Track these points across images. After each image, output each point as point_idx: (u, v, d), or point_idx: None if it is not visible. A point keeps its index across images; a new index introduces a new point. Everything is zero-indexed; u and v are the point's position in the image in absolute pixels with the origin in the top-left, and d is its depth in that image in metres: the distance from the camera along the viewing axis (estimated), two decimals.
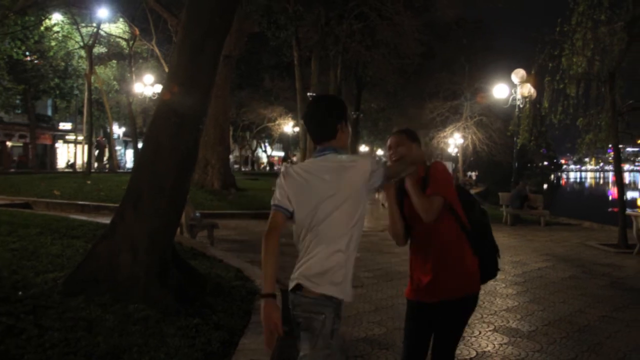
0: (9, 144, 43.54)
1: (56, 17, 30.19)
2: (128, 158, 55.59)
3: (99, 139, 43.60)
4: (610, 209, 18.43)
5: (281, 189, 2.79)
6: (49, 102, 44.73)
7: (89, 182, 20.91)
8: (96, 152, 42.51)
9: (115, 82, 37.02)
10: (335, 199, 2.68)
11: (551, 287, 8.01)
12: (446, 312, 3.15)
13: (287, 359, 2.69)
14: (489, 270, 3.28)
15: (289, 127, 50.49)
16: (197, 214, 11.41)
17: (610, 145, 13.54)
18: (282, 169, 2.86)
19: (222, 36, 6.31)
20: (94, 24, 30.16)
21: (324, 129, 2.85)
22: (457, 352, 4.93)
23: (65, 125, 47.89)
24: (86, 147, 31.39)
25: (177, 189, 6.01)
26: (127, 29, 32.06)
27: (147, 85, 28.86)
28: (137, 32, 29.62)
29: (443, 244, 3.14)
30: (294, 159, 45.94)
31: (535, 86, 17.46)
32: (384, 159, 3.08)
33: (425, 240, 3.19)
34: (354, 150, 37.64)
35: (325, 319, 2.63)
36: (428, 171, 3.18)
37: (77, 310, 4.83)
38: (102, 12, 28.68)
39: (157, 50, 29.67)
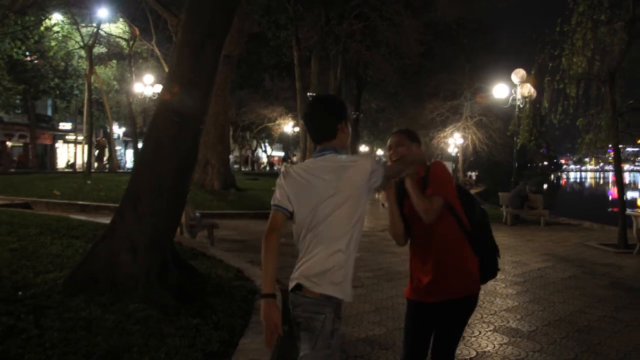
0: (9, 144, 43.51)
1: (56, 17, 30.19)
2: (128, 158, 55.56)
3: (99, 139, 43.60)
4: (610, 209, 18.39)
5: (281, 189, 2.79)
6: (49, 102, 44.71)
7: (89, 182, 20.91)
8: (96, 152, 42.54)
9: (115, 82, 37.01)
10: (335, 199, 2.67)
11: (551, 287, 8.01)
12: (446, 313, 3.15)
13: (287, 359, 2.69)
14: (489, 271, 3.28)
15: (289, 127, 50.52)
16: (197, 214, 11.42)
17: (610, 145, 13.52)
18: (282, 168, 2.86)
19: (223, 36, 6.31)
20: (94, 24, 30.17)
21: (324, 129, 2.85)
22: (457, 352, 4.93)
23: (65, 125, 47.89)
24: (86, 147, 31.38)
25: (177, 189, 6.01)
26: (127, 29, 32.08)
27: (147, 85, 28.89)
28: (137, 32, 29.63)
29: (443, 244, 3.13)
30: (294, 159, 45.90)
31: (535, 86, 17.46)
32: (383, 159, 3.08)
33: (426, 241, 3.19)
34: (354, 151, 37.63)
35: (325, 319, 2.63)
36: (428, 171, 3.18)
37: (77, 310, 4.83)
38: (102, 12, 28.70)
39: (157, 50, 29.70)
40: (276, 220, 2.76)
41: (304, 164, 2.86)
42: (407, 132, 3.36)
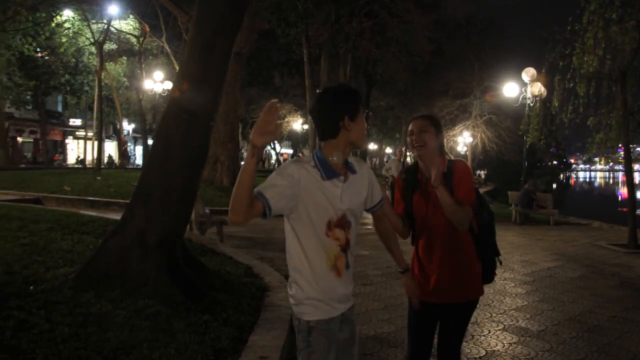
0: (19, 139, 43.80)
1: (67, 14, 30.33)
2: (137, 154, 55.79)
3: (122, 137, 43.76)
4: (620, 209, 18.29)
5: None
6: (60, 98, 44.99)
7: (98, 178, 21.00)
8: (122, 149, 42.94)
9: (125, 79, 37.15)
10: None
11: (560, 287, 7.98)
12: (449, 314, 3.15)
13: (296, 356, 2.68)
14: (487, 275, 3.25)
15: (298, 124, 50.49)
16: (207, 211, 11.43)
17: (620, 145, 13.45)
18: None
19: (233, 33, 6.31)
20: (105, 21, 30.25)
21: (324, 126, 2.57)
22: (467, 351, 4.94)
23: (75, 122, 48.18)
24: (96, 143, 31.53)
25: (187, 186, 6.03)
26: (137, 25, 32.15)
27: (157, 82, 28.93)
28: (147, 29, 29.68)
29: (449, 245, 3.12)
30: (301, 155, 46.03)
31: (545, 85, 17.38)
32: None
33: (431, 240, 3.17)
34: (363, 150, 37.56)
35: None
36: (451, 170, 3.07)
37: (87, 305, 4.86)
38: (113, 9, 28.74)
39: (167, 47, 29.74)
40: None
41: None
42: (430, 119, 3.18)
